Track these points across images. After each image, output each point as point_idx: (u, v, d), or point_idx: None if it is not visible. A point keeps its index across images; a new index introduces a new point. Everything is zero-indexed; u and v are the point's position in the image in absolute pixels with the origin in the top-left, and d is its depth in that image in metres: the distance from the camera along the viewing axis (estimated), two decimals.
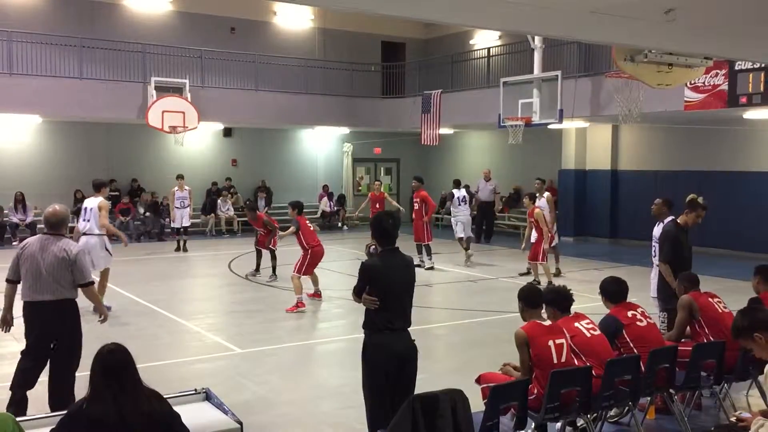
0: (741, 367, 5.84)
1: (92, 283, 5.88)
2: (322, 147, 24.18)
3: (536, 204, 13.24)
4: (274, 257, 13.50)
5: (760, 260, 14.75)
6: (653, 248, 8.00)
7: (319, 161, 24.13)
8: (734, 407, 6.09)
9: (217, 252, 17.29)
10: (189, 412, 4.00)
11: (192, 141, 20.69)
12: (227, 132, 22.35)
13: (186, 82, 18.70)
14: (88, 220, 10.08)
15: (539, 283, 11.96)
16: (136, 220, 20.13)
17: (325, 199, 23.14)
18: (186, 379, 6.95)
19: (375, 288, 4.96)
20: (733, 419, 4.36)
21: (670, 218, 8.09)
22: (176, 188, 17.45)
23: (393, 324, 4.97)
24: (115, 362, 3.56)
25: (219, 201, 21.17)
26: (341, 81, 21.85)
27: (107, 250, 10.17)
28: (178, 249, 17.33)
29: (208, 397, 4.69)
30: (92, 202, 10.20)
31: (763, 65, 12.46)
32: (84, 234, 10.02)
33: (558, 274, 13.80)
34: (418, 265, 13.39)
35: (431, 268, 14.58)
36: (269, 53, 21.23)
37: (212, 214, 21.12)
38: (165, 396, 3.76)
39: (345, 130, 23.02)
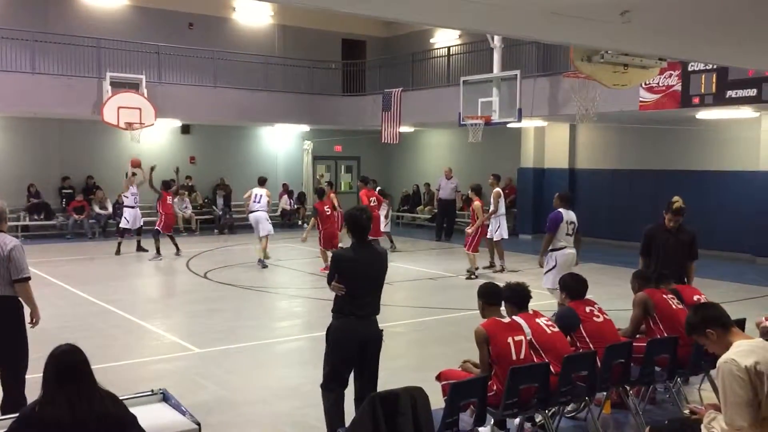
0: (694, 362, 5.97)
1: (27, 279, 5.70)
2: (281, 144, 24.03)
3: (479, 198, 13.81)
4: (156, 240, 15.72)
5: (710, 257, 15.17)
6: None
7: (278, 159, 23.97)
8: (687, 401, 6.23)
9: (175, 250, 17.02)
10: (146, 414, 3.93)
11: (149, 138, 20.32)
12: (185, 129, 22.04)
13: (142, 78, 18.38)
14: (259, 202, 14.99)
15: (473, 273, 13.29)
16: (91, 218, 19.74)
17: (285, 197, 23.00)
18: (142, 380, 6.83)
19: (343, 277, 5.22)
20: (686, 412, 4.45)
21: (556, 210, 9.50)
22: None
23: (358, 311, 5.22)
24: (69, 363, 3.48)
25: (176, 199, 20.78)
26: (301, 78, 21.73)
27: (268, 221, 14.99)
28: (118, 252, 16.15)
29: (165, 397, 4.62)
30: (261, 191, 15.20)
31: (715, 67, 12.77)
32: (252, 212, 15.02)
33: (501, 270, 14.11)
34: None
35: None
36: (228, 49, 21.02)
37: None
38: (121, 397, 3.69)
39: (305, 128, 22.91)
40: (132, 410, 3.64)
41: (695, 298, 6.52)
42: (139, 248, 16.54)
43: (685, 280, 7.54)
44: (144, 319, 10.08)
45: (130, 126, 17.86)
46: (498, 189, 14.60)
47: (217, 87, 20.02)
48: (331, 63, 23.37)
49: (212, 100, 19.82)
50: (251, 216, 15.12)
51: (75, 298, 11.33)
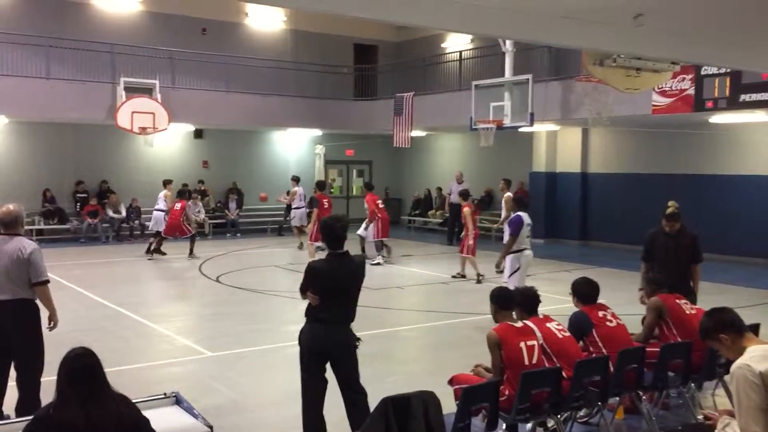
0: (707, 367, 5.93)
1: (46, 282, 5.76)
2: (293, 149, 24.10)
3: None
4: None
5: (724, 261, 15.07)
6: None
7: (290, 163, 24.02)
8: (701, 407, 6.18)
9: (187, 254, 17.09)
10: (158, 417, 3.95)
11: (162, 142, 20.48)
12: (198, 133, 22.16)
13: (156, 83, 18.49)
14: (303, 200, 17.87)
15: (464, 276, 13.61)
16: (105, 222, 19.87)
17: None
18: (155, 383, 6.87)
19: (316, 287, 5.30)
20: (700, 417, 4.42)
21: (516, 213, 9.78)
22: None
23: (328, 318, 5.30)
24: (83, 366, 3.50)
25: (189, 203, 20.84)
26: (313, 83, 21.80)
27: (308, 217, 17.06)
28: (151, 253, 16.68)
29: (177, 401, 4.64)
30: (301, 190, 18.18)
31: (728, 70, 12.69)
32: (298, 208, 17.95)
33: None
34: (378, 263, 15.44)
35: (378, 264, 15.34)
36: (241, 54, 21.11)
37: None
38: (134, 400, 3.71)
39: (317, 132, 22.96)
40: (145, 413, 3.65)
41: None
42: (158, 251, 16.69)
43: (691, 283, 7.47)
44: (156, 322, 10.13)
45: (143, 131, 17.99)
46: (509, 194, 14.65)
47: (229, 92, 20.11)
48: (342, 67, 23.42)
49: (225, 104, 19.91)
50: (300, 212, 17.82)
51: (88, 301, 11.40)
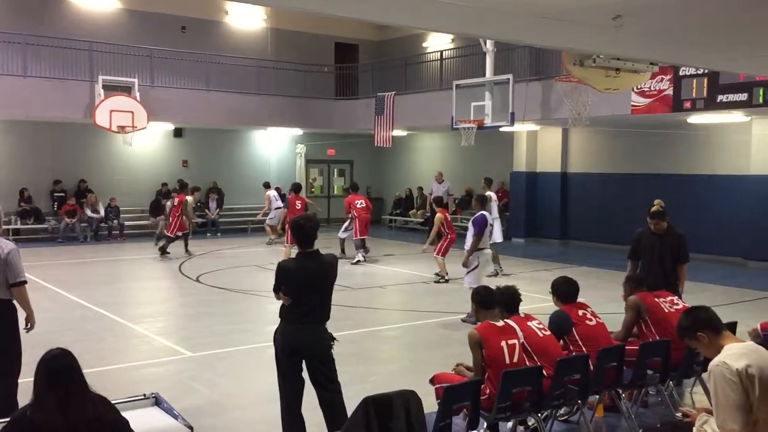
0: (686, 365, 5.99)
1: (24, 282, 5.69)
2: (274, 148, 24.01)
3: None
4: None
5: (702, 260, 15.23)
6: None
7: (271, 162, 23.95)
8: (680, 404, 6.24)
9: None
10: (138, 418, 3.92)
11: (141, 141, 20.31)
12: (178, 132, 22.00)
13: (135, 81, 18.34)
14: (278, 200, 19.06)
15: (443, 277, 13.42)
16: (83, 221, 19.68)
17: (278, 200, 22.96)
18: (135, 384, 6.81)
19: (287, 286, 5.28)
20: (679, 415, 4.46)
21: (480, 213, 9.93)
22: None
23: (300, 318, 5.29)
24: (60, 367, 3.46)
25: (168, 202, 20.68)
26: (294, 82, 21.73)
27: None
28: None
29: (157, 402, 4.60)
30: (274, 193, 19.40)
31: (706, 71, 12.84)
32: (277, 208, 18.85)
33: (496, 274, 14.00)
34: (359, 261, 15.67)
35: (358, 263, 15.50)
36: (221, 53, 20.99)
37: (161, 216, 20.72)
38: (113, 401, 3.67)
39: (298, 131, 22.90)
40: (124, 414, 3.62)
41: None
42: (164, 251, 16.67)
43: (677, 282, 7.55)
44: (136, 322, 10.04)
45: (122, 129, 17.84)
46: (490, 193, 14.67)
47: (209, 90, 19.99)
48: (323, 66, 23.38)
49: (205, 103, 19.79)
50: (279, 212, 18.54)
51: (66, 302, 11.28)
